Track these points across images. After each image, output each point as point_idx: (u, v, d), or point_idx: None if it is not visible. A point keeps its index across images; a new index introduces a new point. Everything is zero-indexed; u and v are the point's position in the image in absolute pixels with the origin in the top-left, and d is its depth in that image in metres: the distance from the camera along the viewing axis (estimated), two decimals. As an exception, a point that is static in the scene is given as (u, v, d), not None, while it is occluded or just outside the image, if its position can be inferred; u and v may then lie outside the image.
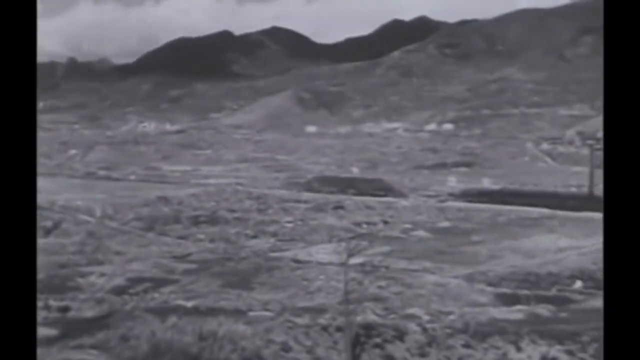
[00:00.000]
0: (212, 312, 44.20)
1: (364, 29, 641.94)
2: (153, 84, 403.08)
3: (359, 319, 39.61)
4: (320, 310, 43.84)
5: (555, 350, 38.11)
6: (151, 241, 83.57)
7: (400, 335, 38.47)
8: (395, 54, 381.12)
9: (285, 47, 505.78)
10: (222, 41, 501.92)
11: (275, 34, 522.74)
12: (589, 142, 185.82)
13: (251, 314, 43.79)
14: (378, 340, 38.02)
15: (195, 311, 44.55)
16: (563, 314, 47.76)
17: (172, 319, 39.91)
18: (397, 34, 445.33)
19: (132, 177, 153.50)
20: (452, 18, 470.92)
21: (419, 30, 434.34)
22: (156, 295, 56.02)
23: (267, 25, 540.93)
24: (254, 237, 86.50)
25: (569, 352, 38.02)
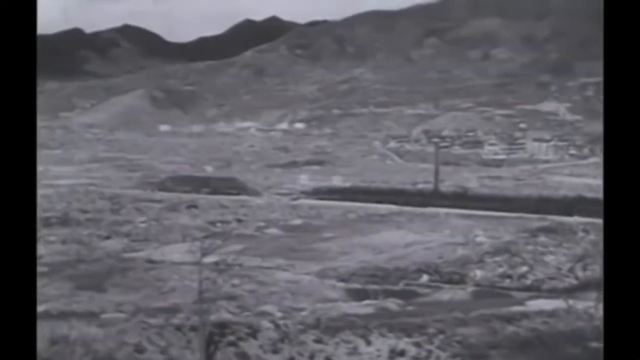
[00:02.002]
0: (64, 315, 43.58)
1: (216, 29, 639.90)
2: None
3: (213, 317, 39.90)
4: (174, 310, 43.93)
5: (404, 342, 39.37)
6: None
7: (254, 332, 39.01)
8: (248, 53, 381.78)
9: (138, 45, 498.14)
10: (73, 39, 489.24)
11: (128, 32, 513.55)
12: (434, 140, 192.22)
13: (104, 316, 43.42)
14: (232, 338, 38.42)
15: (47, 315, 43.83)
16: (410, 308, 49.31)
17: (22, 324, 39.14)
18: (249, 34, 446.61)
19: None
20: (302, 19, 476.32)
21: (271, 30, 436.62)
22: (5, 300, 54.66)
23: (118, 23, 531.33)
24: (107, 238, 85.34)
25: (417, 344, 39.36)
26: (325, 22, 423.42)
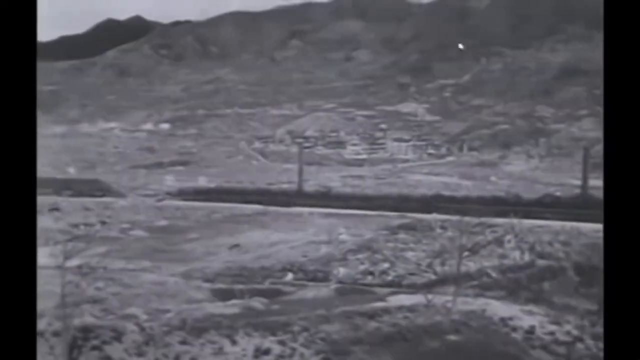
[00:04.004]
0: None
1: (78, 28, 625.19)
2: None
3: (77, 322, 39.49)
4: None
5: (269, 341, 39.99)
6: None
7: (119, 335, 38.85)
8: (111, 53, 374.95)
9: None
10: None
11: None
12: (298, 140, 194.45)
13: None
14: (96, 342, 38.16)
15: None
16: (275, 306, 49.97)
17: None
18: (112, 33, 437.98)
19: None
20: (165, 19, 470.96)
21: (134, 30, 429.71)
22: None
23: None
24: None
25: (281, 343, 40.06)
26: (188, 22, 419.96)
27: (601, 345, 40.24)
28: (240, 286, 59.48)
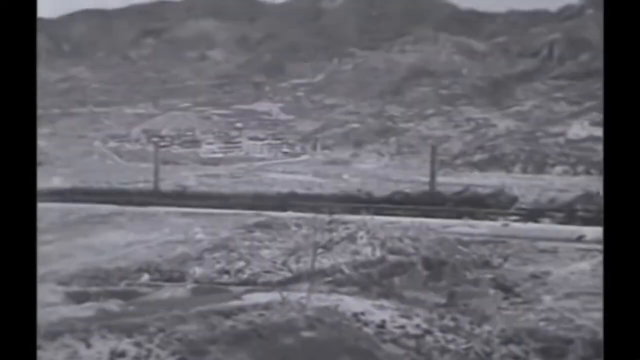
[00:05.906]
0: None
1: None
2: None
3: None
4: None
5: (124, 343, 39.78)
6: None
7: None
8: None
9: None
10: None
11: None
12: (154, 139, 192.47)
13: None
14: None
15: None
16: (131, 307, 49.68)
17: None
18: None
19: None
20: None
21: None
22: None
23: None
24: None
25: (137, 344, 39.92)
26: (40, 19, 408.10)
27: (449, 337, 42.28)
28: (96, 288, 58.99)
